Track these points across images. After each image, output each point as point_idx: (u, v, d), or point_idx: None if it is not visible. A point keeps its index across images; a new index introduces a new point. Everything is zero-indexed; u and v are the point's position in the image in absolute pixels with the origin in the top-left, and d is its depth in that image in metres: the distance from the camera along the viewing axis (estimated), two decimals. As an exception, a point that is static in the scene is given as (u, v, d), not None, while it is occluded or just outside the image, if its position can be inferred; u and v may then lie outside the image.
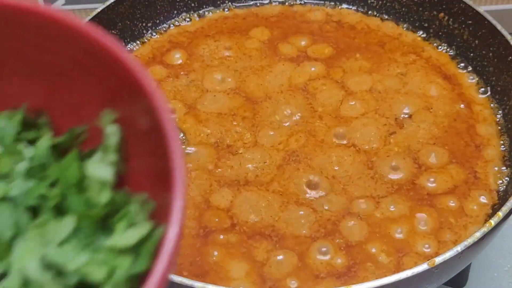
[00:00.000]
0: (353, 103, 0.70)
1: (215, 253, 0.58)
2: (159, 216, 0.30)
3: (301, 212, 0.61)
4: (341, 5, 0.82)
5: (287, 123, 0.68)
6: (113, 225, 0.31)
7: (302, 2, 0.83)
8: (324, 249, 0.58)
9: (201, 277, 0.56)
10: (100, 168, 0.33)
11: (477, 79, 0.73)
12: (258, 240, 0.59)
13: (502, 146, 0.67)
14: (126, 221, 0.31)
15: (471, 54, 0.74)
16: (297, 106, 0.69)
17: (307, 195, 0.62)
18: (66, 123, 0.36)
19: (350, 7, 0.82)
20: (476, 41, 0.74)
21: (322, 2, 0.83)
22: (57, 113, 0.36)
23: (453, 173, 0.64)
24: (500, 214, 0.55)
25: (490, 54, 0.72)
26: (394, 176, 0.64)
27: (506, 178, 0.64)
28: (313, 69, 0.73)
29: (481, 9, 0.73)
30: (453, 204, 0.62)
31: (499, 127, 0.69)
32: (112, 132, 0.33)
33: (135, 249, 0.30)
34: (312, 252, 0.58)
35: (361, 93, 0.71)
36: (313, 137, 0.67)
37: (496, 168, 0.65)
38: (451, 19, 0.76)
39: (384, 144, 0.66)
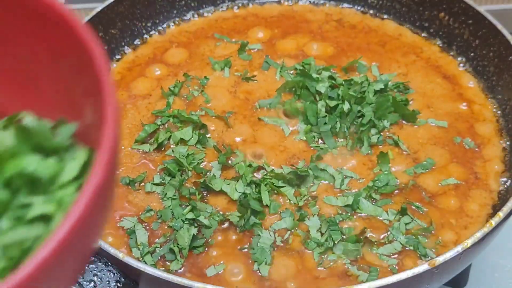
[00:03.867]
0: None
1: (214, 253, 0.58)
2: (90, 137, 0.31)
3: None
4: (342, 4, 0.82)
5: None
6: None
7: (303, 2, 0.83)
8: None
9: (201, 278, 0.56)
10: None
11: (477, 78, 0.73)
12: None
13: (502, 146, 0.67)
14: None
15: (472, 54, 0.74)
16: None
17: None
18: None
19: (351, 6, 0.82)
20: (477, 41, 0.74)
21: (323, 1, 0.83)
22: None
23: (453, 173, 0.64)
24: (501, 214, 0.55)
25: (491, 53, 0.72)
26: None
27: (506, 178, 0.64)
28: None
29: (482, 8, 0.72)
30: (454, 204, 0.61)
31: (500, 127, 0.68)
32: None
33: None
34: (313, 253, 0.57)
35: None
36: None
37: (496, 168, 0.65)
38: (451, 19, 0.76)
39: (384, 144, 0.66)
